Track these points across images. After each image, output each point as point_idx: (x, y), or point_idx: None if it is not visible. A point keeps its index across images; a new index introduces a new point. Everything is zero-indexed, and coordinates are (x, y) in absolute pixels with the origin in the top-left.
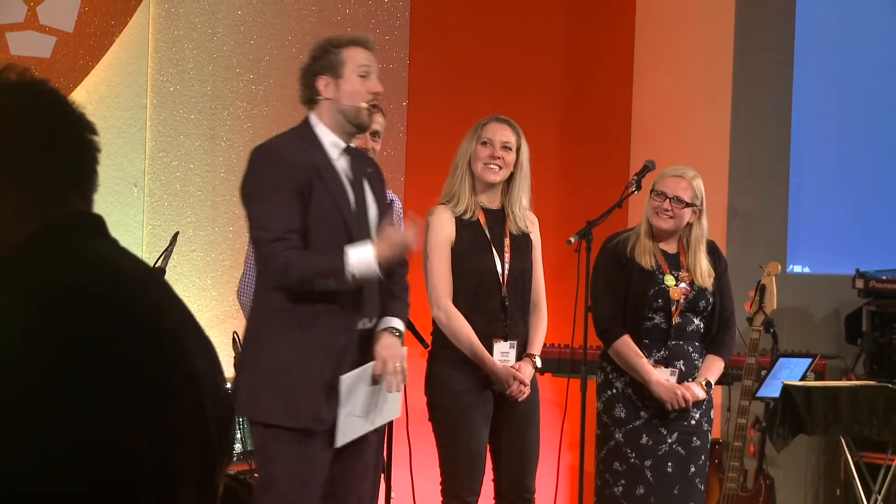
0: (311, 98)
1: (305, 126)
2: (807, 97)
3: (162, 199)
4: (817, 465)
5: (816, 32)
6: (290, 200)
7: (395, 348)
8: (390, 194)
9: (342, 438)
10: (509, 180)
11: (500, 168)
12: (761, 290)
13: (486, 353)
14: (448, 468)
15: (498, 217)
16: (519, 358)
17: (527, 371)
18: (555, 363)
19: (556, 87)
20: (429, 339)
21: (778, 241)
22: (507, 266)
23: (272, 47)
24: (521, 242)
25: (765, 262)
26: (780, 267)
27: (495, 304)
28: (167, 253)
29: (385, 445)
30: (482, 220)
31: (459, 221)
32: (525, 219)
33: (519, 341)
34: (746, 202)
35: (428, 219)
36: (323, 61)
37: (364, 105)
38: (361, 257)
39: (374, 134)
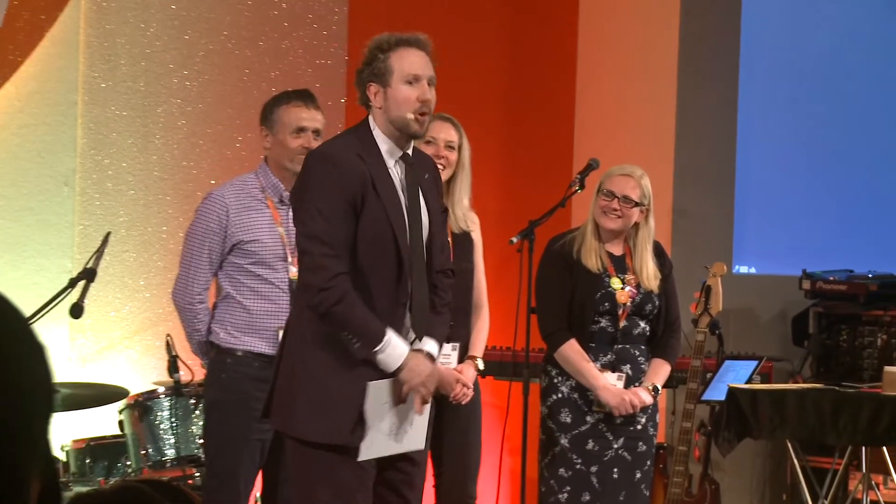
0: (366, 103)
1: (364, 129)
2: (753, 96)
3: (93, 198)
4: (763, 469)
5: (763, 31)
6: (346, 215)
7: (425, 372)
8: None
9: (365, 453)
10: (450, 180)
11: (444, 167)
12: (706, 291)
13: None
14: None
15: None
16: (461, 360)
17: (469, 374)
18: (496, 366)
19: (497, 83)
20: None
21: (723, 242)
22: None
23: (207, 42)
24: (463, 243)
25: (710, 263)
26: (725, 267)
27: None
28: (99, 254)
29: None
30: None
31: None
32: (466, 218)
33: (461, 343)
34: (691, 202)
35: None
36: (371, 68)
37: (411, 116)
38: (396, 354)
39: (314, 131)
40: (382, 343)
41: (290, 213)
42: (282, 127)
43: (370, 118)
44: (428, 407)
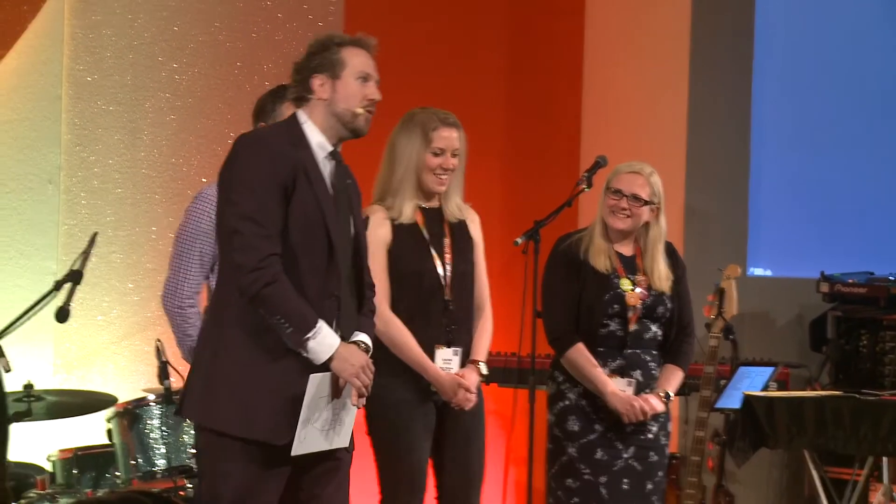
0: (302, 96)
1: (293, 122)
2: (767, 92)
3: (79, 196)
4: (780, 480)
5: (777, 28)
6: (278, 197)
7: (362, 362)
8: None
9: (299, 448)
10: None
11: (447, 173)
12: (720, 294)
13: (427, 360)
14: (387, 484)
15: (435, 216)
16: (463, 366)
17: (472, 379)
18: (501, 372)
19: (500, 78)
20: None
21: (737, 243)
22: (448, 268)
23: (197, 34)
24: (463, 242)
25: (724, 265)
26: (739, 270)
27: (437, 308)
28: (85, 255)
29: None
30: (419, 221)
31: (394, 223)
32: (461, 209)
33: (463, 348)
34: (704, 202)
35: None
36: (321, 59)
37: (361, 110)
38: (327, 341)
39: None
40: (314, 329)
41: None
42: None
43: (301, 112)
44: (360, 401)
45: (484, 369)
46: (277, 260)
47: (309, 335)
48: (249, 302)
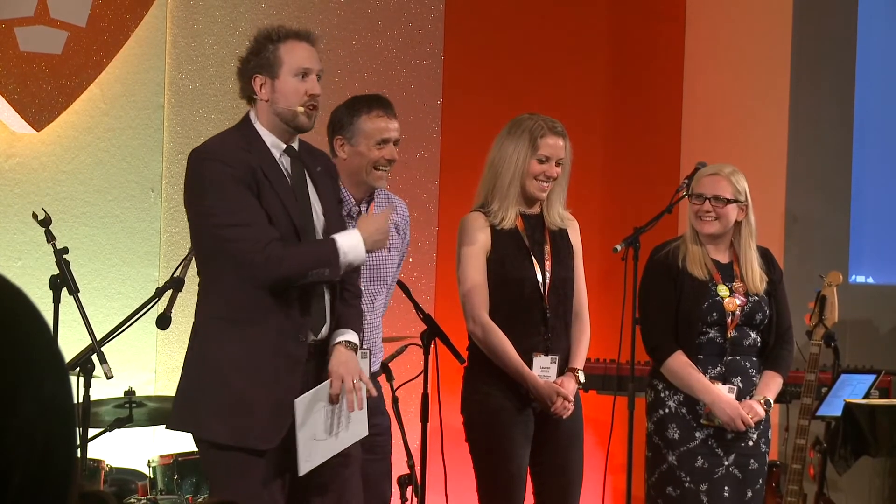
0: (249, 96)
1: (246, 124)
2: (870, 97)
3: (180, 204)
4: (882, 489)
5: (880, 31)
6: (248, 193)
7: (351, 363)
8: (395, 199)
9: (305, 465)
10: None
11: (548, 181)
12: (821, 301)
13: (526, 368)
14: (486, 492)
15: (536, 222)
16: (561, 373)
17: (570, 387)
18: (599, 380)
19: (601, 83)
20: (465, 354)
21: (839, 250)
22: (547, 275)
23: None
24: (562, 249)
25: (825, 272)
26: (841, 277)
27: (535, 316)
28: (186, 262)
29: (418, 467)
30: (520, 227)
31: (495, 228)
32: (562, 217)
33: (560, 356)
34: (805, 207)
35: (461, 225)
36: (259, 59)
37: (300, 109)
38: (352, 243)
39: (394, 142)
40: (338, 251)
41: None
42: (364, 138)
43: (251, 113)
44: (362, 396)
45: (582, 377)
46: (277, 243)
47: (341, 258)
48: (274, 273)
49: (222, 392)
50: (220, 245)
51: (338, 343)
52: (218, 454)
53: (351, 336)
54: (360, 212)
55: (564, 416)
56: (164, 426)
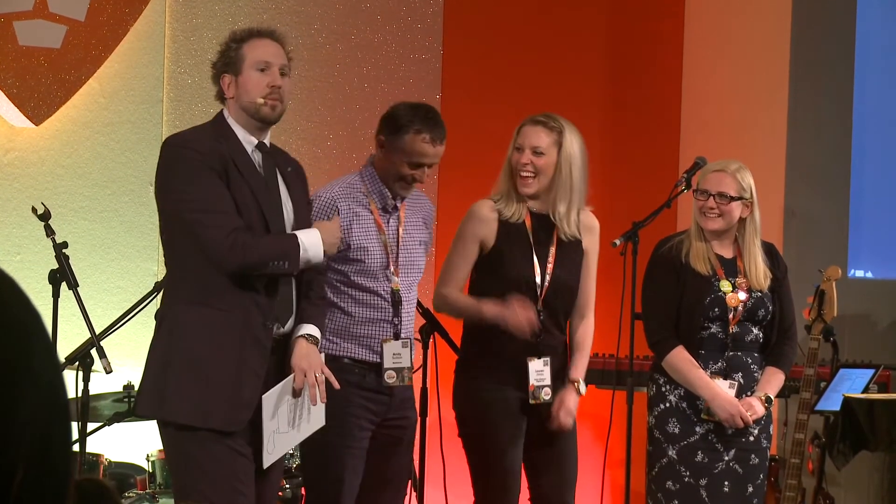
0: (221, 97)
1: (219, 120)
2: (868, 93)
3: None
4: (881, 483)
5: (878, 28)
6: (218, 181)
7: (312, 357)
8: (422, 196)
9: (269, 458)
10: (548, 186)
11: (534, 176)
12: (820, 296)
13: (482, 305)
14: (480, 486)
15: (545, 222)
16: (554, 375)
17: (572, 400)
18: (598, 374)
19: (599, 79)
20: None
21: (838, 244)
22: (547, 277)
23: (297, 36)
24: (571, 252)
25: (824, 267)
26: (840, 271)
27: None
28: None
29: (417, 462)
30: (528, 224)
31: (503, 221)
32: (576, 224)
33: (552, 355)
34: (804, 203)
35: (469, 210)
36: (224, 59)
37: (261, 100)
38: (312, 241)
39: (429, 165)
40: (300, 247)
41: (391, 221)
42: (401, 153)
43: (224, 111)
44: (323, 389)
45: (583, 388)
46: (242, 231)
47: (301, 253)
48: (238, 260)
49: (188, 374)
50: (190, 229)
51: (299, 336)
52: (182, 435)
53: (312, 330)
54: (395, 206)
55: (565, 430)
56: (134, 412)
